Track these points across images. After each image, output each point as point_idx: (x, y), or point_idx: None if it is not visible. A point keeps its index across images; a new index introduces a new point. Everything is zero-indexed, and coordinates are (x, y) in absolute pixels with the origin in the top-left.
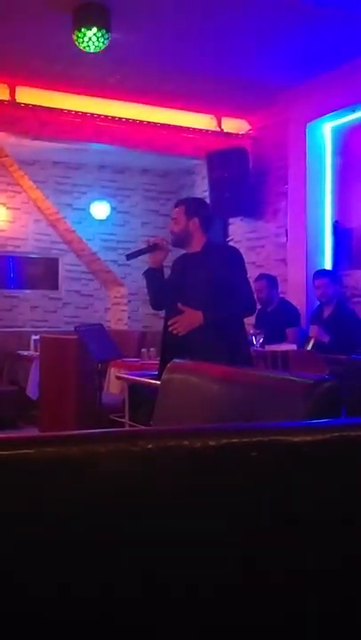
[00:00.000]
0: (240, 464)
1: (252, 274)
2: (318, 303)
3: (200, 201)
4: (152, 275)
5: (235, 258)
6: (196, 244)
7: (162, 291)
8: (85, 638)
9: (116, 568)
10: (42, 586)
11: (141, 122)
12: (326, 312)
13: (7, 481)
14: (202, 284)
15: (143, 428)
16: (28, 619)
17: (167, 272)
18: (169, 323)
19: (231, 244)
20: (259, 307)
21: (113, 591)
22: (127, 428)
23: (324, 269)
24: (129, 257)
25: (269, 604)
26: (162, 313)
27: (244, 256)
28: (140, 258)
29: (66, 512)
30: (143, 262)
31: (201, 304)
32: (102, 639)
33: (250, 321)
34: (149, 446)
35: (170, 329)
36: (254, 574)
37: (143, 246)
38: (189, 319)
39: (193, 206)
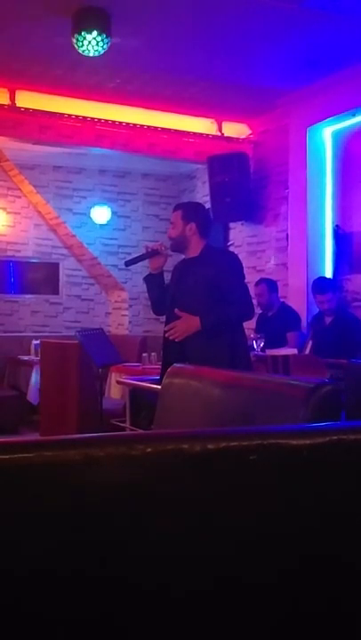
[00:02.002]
0: (239, 467)
1: (252, 278)
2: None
3: (198, 206)
4: (152, 280)
5: (232, 262)
6: (194, 249)
7: (162, 296)
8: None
9: (115, 570)
10: (42, 588)
11: (142, 126)
12: (328, 319)
13: (7, 485)
14: (199, 288)
15: (142, 431)
16: (28, 620)
17: (168, 277)
18: (165, 328)
19: (232, 248)
20: (259, 311)
21: (113, 592)
22: (126, 432)
23: (324, 281)
24: (128, 263)
25: (267, 603)
26: (163, 317)
27: (244, 261)
28: (141, 262)
29: (65, 516)
30: (144, 267)
31: (198, 309)
32: None
33: (250, 325)
34: (148, 450)
35: (166, 335)
36: (252, 575)
37: (142, 252)
38: (186, 324)
39: (190, 211)
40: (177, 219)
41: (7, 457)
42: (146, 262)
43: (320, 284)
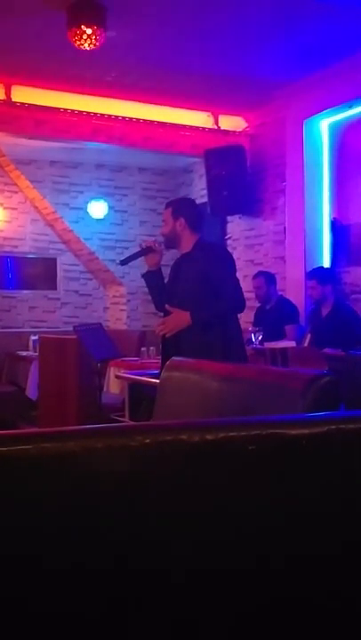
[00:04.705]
0: (238, 458)
1: (250, 272)
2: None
3: (187, 201)
4: (150, 277)
5: (222, 256)
6: (187, 245)
7: (163, 292)
8: (87, 632)
9: (114, 560)
10: (42, 578)
11: (138, 120)
12: (324, 311)
13: (6, 476)
14: (191, 283)
15: (141, 423)
16: (29, 610)
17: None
18: (156, 324)
19: (230, 241)
20: (257, 304)
21: (113, 581)
22: (124, 424)
23: (315, 270)
24: (123, 262)
25: (269, 591)
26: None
27: (241, 254)
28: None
29: (65, 507)
30: (142, 261)
31: (191, 304)
32: (103, 633)
33: (249, 319)
34: (147, 441)
35: (156, 331)
36: (254, 563)
37: (137, 250)
38: (176, 320)
39: (179, 207)
40: (167, 216)
41: (6, 449)
42: (143, 258)
43: (311, 271)
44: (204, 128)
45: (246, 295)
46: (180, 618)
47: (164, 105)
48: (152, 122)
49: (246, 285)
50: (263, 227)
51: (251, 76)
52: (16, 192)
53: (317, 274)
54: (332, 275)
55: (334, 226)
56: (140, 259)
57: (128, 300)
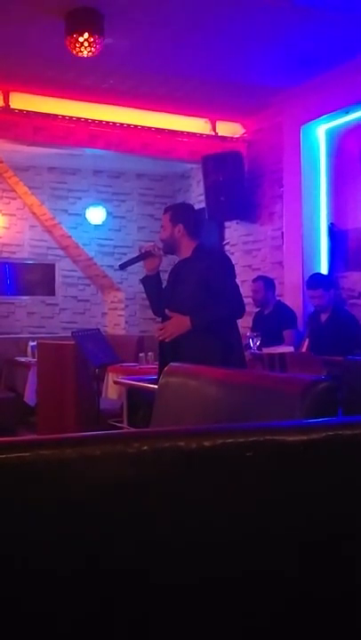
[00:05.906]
0: (236, 464)
1: (248, 277)
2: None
3: (186, 207)
4: (149, 281)
5: (221, 262)
6: (186, 250)
7: (160, 296)
8: (85, 635)
9: (113, 567)
10: (40, 585)
11: (136, 126)
12: (324, 316)
13: (4, 484)
14: (191, 289)
15: (138, 429)
16: (28, 616)
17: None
18: (156, 329)
19: (227, 247)
20: (256, 309)
21: (111, 588)
22: (122, 430)
23: (317, 277)
24: (122, 266)
25: (267, 593)
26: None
27: (239, 260)
28: (136, 263)
29: (62, 514)
30: (140, 267)
31: (190, 309)
32: (100, 636)
33: (247, 324)
34: (144, 448)
35: (156, 336)
36: (252, 570)
37: (136, 254)
38: (176, 325)
39: (178, 213)
40: (166, 221)
41: (4, 456)
42: (142, 262)
43: (312, 280)
44: (201, 134)
45: (244, 300)
46: (178, 621)
47: (162, 111)
48: (150, 128)
49: (244, 291)
50: (261, 232)
51: (248, 83)
52: (14, 198)
53: (321, 282)
54: (333, 280)
55: (332, 231)
56: (139, 263)
57: (126, 306)
